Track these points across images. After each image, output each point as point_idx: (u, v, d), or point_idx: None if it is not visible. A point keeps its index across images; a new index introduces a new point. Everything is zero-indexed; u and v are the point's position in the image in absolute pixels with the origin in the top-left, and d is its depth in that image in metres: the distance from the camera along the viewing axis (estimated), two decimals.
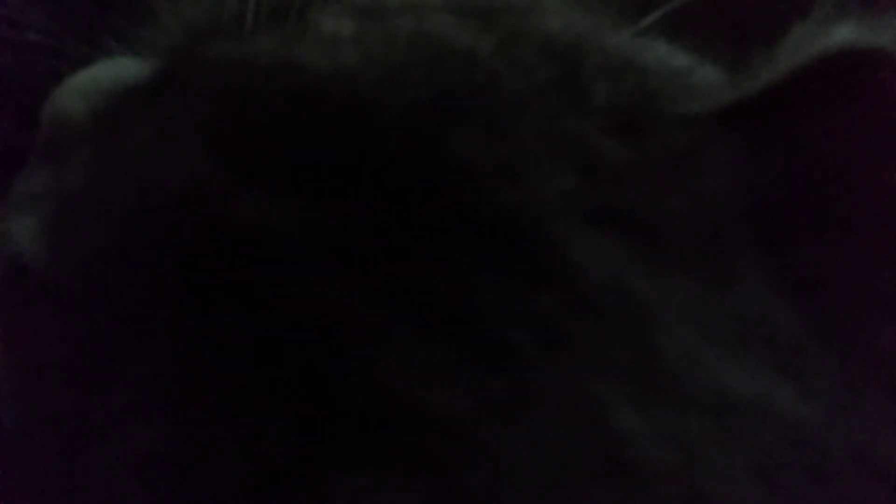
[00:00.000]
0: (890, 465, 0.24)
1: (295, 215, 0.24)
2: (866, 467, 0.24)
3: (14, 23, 0.37)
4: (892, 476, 0.24)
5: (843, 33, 0.26)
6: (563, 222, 0.24)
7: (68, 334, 0.25)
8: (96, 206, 0.26)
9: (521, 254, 0.23)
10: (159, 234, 0.25)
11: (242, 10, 0.37)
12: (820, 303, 0.25)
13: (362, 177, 0.24)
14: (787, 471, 0.23)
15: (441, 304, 0.23)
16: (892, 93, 0.26)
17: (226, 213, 0.24)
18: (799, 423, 0.23)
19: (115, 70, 0.31)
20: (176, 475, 0.23)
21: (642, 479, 0.22)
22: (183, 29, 0.40)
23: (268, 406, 0.23)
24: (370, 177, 0.24)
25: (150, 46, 0.41)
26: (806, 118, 0.26)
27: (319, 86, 0.25)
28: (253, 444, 0.22)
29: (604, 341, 0.23)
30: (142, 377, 0.24)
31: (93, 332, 0.25)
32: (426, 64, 0.26)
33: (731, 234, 0.25)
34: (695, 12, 0.31)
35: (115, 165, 0.27)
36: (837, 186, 0.26)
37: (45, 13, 0.38)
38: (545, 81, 0.26)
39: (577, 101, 0.26)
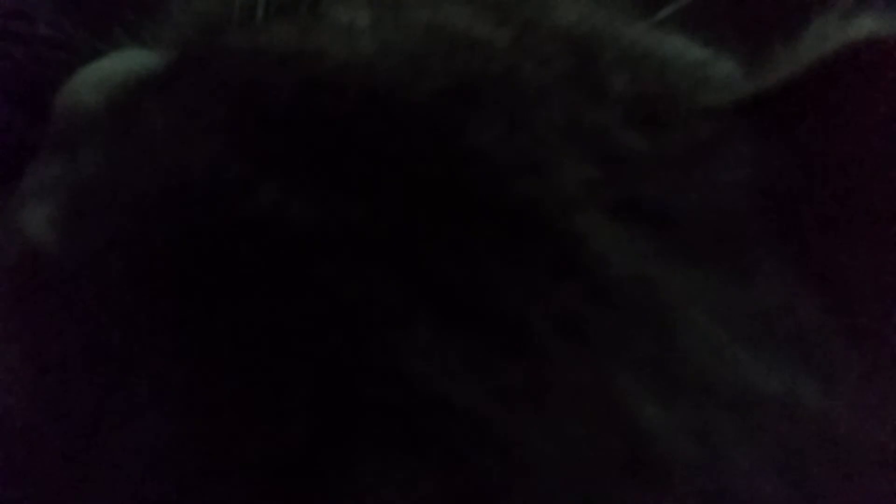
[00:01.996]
0: None
1: (315, 204, 0.23)
2: (891, 463, 0.23)
3: (24, 15, 0.37)
4: None
5: (867, 24, 0.26)
6: (585, 214, 0.23)
7: (84, 324, 0.25)
8: (112, 195, 0.26)
9: (542, 245, 0.23)
10: (177, 222, 0.24)
11: (253, 2, 0.37)
12: (841, 295, 0.25)
13: (382, 166, 0.24)
14: (813, 467, 0.22)
15: (462, 294, 0.23)
16: None
17: (245, 201, 0.24)
18: (824, 419, 0.23)
19: (127, 62, 0.30)
20: (195, 465, 0.23)
21: (665, 474, 0.22)
22: (194, 21, 0.40)
23: (288, 395, 0.22)
24: (390, 166, 0.24)
25: (161, 39, 0.41)
26: (828, 110, 0.26)
27: (336, 75, 0.25)
28: (273, 434, 0.22)
29: (625, 333, 0.23)
30: (160, 367, 0.23)
31: (109, 323, 0.24)
32: (444, 54, 0.25)
33: (751, 226, 0.25)
34: (707, 5, 0.31)
35: (130, 154, 0.26)
36: (859, 177, 0.26)
37: (54, 6, 0.37)
38: (564, 72, 0.25)
39: (596, 93, 0.25)
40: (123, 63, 0.30)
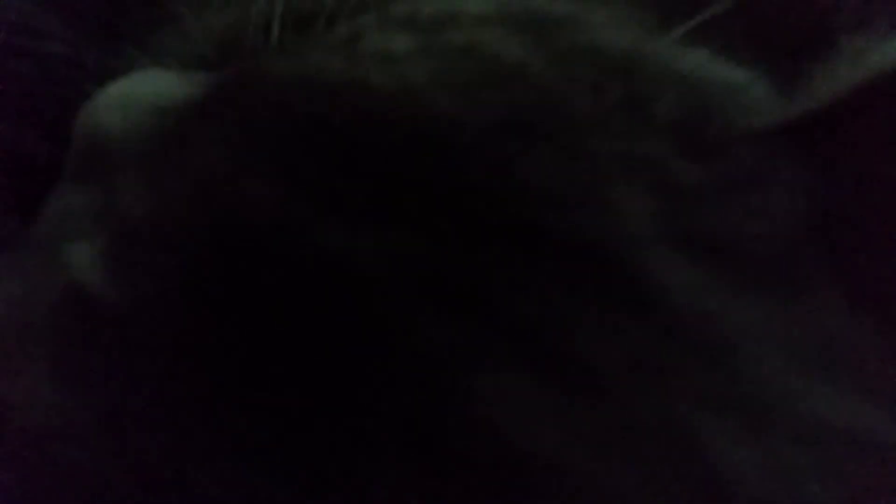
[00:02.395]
0: None
1: (379, 244, 0.23)
2: None
3: (34, 32, 0.36)
4: None
5: None
6: (650, 248, 0.23)
7: (146, 375, 0.23)
8: (164, 236, 0.25)
9: (610, 282, 0.23)
10: (238, 267, 0.23)
11: (268, 19, 0.36)
12: (893, 320, 0.24)
13: (441, 203, 0.23)
14: (887, 501, 0.22)
15: (533, 334, 0.22)
16: None
17: (308, 243, 0.23)
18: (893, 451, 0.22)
19: (151, 84, 0.29)
20: None
21: None
22: (209, 37, 0.40)
23: (364, 447, 0.22)
24: (449, 203, 0.23)
25: (173, 54, 0.40)
26: (870, 132, 0.25)
27: (389, 107, 0.25)
28: (350, 488, 0.21)
29: (694, 370, 0.22)
30: (229, 419, 0.22)
31: (172, 373, 0.23)
32: (492, 83, 0.25)
33: (804, 253, 0.24)
34: (723, 21, 0.30)
35: (179, 190, 0.25)
36: None
37: (62, 21, 0.36)
38: (611, 100, 0.25)
39: (643, 120, 0.25)
40: (147, 85, 0.29)
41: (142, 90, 0.29)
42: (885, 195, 0.25)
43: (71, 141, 0.32)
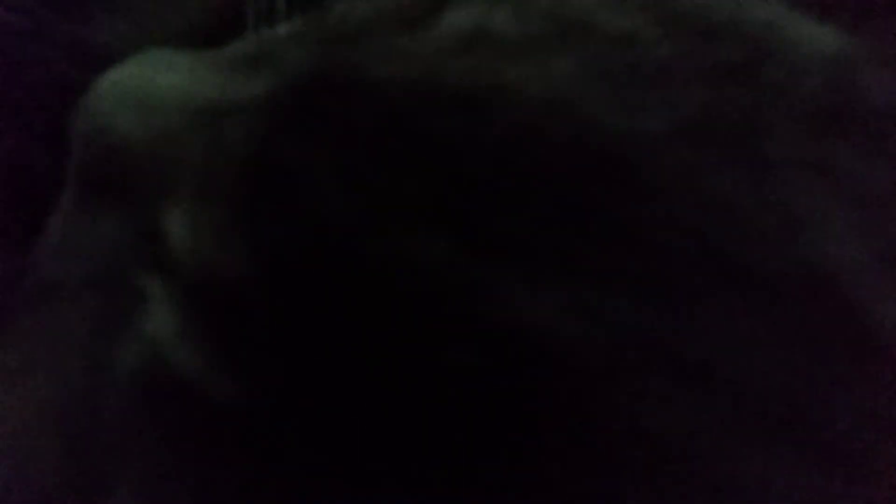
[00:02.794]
0: None
1: (573, 303, 0.18)
2: None
3: None
4: None
5: None
6: (866, 274, 0.19)
7: (264, 478, 0.18)
8: (271, 298, 0.19)
9: (821, 320, 0.19)
10: (384, 345, 0.18)
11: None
12: None
13: (633, 241, 0.18)
14: None
15: (772, 408, 0.18)
16: None
17: (486, 313, 0.18)
18: None
19: (168, 73, 0.23)
20: None
21: None
22: (207, 5, 0.34)
23: None
24: (641, 240, 0.18)
25: (161, 23, 0.34)
26: None
27: (546, 121, 0.19)
28: None
29: None
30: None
31: (299, 478, 0.18)
32: (635, 73, 0.20)
33: None
34: None
35: (289, 241, 0.19)
36: None
37: None
38: (759, 86, 0.21)
39: (796, 110, 0.21)
40: (162, 75, 0.23)
41: (158, 83, 0.23)
42: None
43: (62, 140, 0.26)
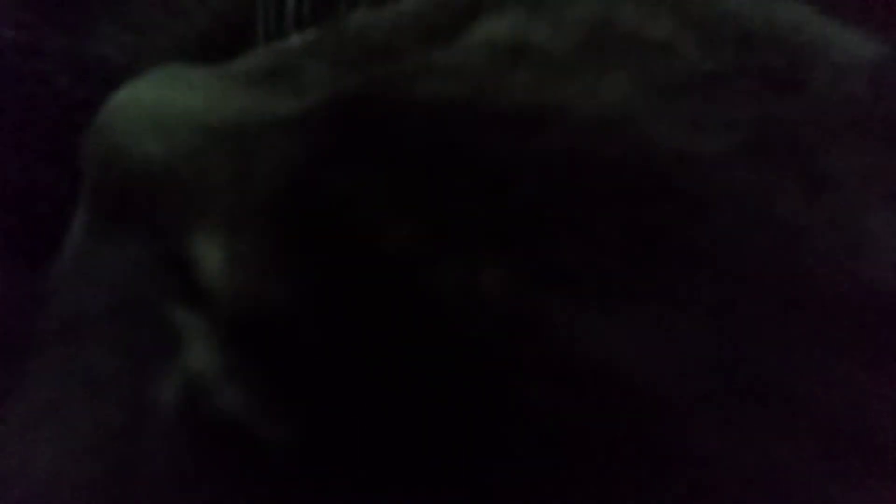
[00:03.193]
0: None
1: (653, 340, 0.16)
2: None
3: None
4: None
5: None
6: None
7: None
8: (324, 333, 0.18)
9: (887, 340, 0.17)
10: (448, 382, 0.17)
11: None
12: None
13: (701, 268, 0.17)
14: None
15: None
16: None
17: (559, 346, 0.16)
18: None
19: (187, 90, 0.22)
20: None
21: None
22: (214, 15, 0.33)
23: None
24: (710, 267, 0.17)
25: (167, 35, 0.33)
26: None
27: (597, 140, 0.18)
28: None
29: None
30: None
31: None
32: (677, 83, 0.19)
33: None
34: None
35: (330, 265, 0.18)
36: None
37: (27, 7, 0.29)
38: (806, 95, 0.20)
39: (843, 118, 0.20)
40: (181, 93, 0.22)
41: (177, 101, 0.22)
42: None
43: (66, 159, 0.25)
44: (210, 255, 0.20)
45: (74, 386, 0.20)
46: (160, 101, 0.22)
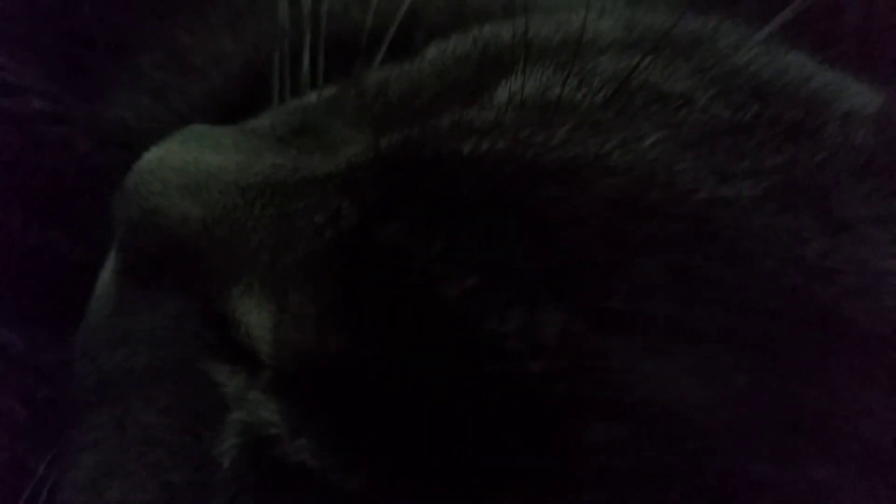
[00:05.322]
0: None
1: (704, 379, 0.17)
2: None
3: (12, 89, 0.29)
4: None
5: None
6: None
7: None
8: (390, 385, 0.18)
9: None
10: (517, 427, 0.17)
11: (296, 47, 0.29)
12: None
13: (748, 311, 0.17)
14: None
15: None
16: None
17: (620, 386, 0.17)
18: None
19: (213, 150, 0.22)
20: None
21: None
22: (228, 74, 0.33)
23: None
24: (753, 310, 0.18)
25: (182, 95, 0.33)
26: None
27: (637, 190, 0.19)
28: None
29: None
30: None
31: None
32: (704, 137, 0.19)
33: None
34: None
35: (390, 320, 0.18)
36: None
37: (46, 73, 0.29)
38: (820, 144, 0.20)
39: (854, 165, 0.20)
40: (203, 152, 0.22)
41: (208, 160, 0.22)
42: None
43: (85, 224, 0.25)
44: (253, 313, 0.20)
45: (131, 447, 0.20)
46: (191, 160, 0.22)
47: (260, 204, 0.21)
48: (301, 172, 0.21)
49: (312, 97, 0.29)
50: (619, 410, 0.16)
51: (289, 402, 0.19)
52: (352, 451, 0.18)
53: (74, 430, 0.22)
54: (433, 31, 0.29)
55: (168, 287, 0.21)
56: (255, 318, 0.20)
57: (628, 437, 0.16)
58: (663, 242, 0.18)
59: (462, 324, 0.17)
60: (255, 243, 0.20)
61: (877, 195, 0.20)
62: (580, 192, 0.18)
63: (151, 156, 0.23)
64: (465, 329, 0.17)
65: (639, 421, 0.16)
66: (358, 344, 0.18)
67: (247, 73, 0.31)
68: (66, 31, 0.32)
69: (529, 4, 0.25)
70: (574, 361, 0.17)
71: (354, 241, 0.19)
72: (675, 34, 0.23)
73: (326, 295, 0.19)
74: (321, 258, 0.19)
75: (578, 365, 0.17)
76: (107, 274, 0.24)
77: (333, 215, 0.20)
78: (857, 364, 0.18)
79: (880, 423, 0.17)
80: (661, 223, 0.18)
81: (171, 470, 0.20)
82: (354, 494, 0.17)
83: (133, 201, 0.22)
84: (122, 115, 0.32)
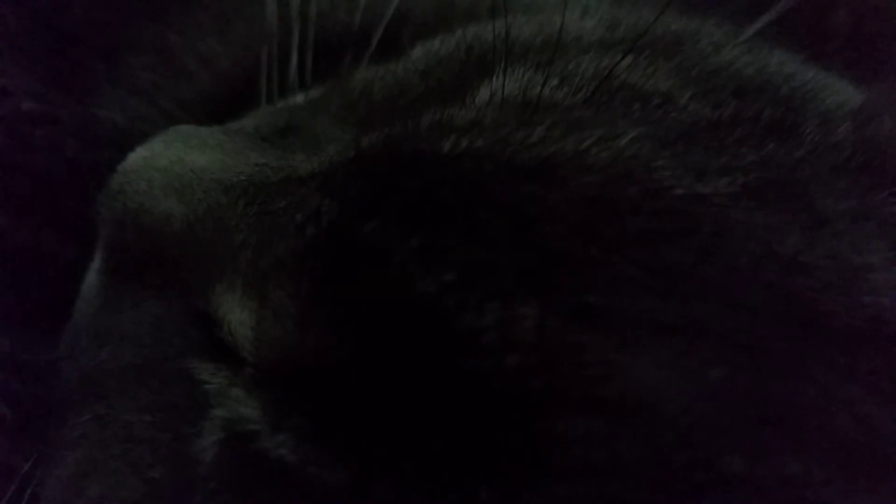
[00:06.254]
0: None
1: (682, 374, 0.17)
2: None
3: (1, 90, 0.29)
4: None
5: None
6: None
7: None
8: (372, 380, 0.18)
9: (888, 365, 0.18)
10: (497, 419, 0.17)
11: (284, 48, 0.29)
12: None
13: (726, 307, 0.18)
14: None
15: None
16: None
17: (596, 381, 0.17)
18: None
19: (201, 150, 0.22)
20: None
21: None
22: (216, 74, 0.33)
23: None
24: (731, 305, 0.18)
25: (171, 95, 0.33)
26: None
27: (613, 186, 0.18)
28: None
29: None
30: None
31: None
32: (685, 133, 0.19)
33: None
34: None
35: (371, 316, 0.18)
36: None
37: (34, 73, 0.29)
38: (799, 141, 0.20)
39: (833, 162, 0.20)
40: (188, 152, 0.22)
41: (193, 160, 0.22)
42: None
43: (73, 225, 0.26)
44: (235, 311, 0.20)
45: (113, 444, 0.20)
46: (175, 160, 0.22)
47: (243, 203, 0.21)
48: (284, 172, 0.22)
49: (299, 97, 0.29)
50: (594, 404, 0.17)
51: (269, 398, 0.19)
52: (331, 446, 0.18)
53: (58, 429, 0.22)
54: (420, 32, 0.29)
55: (151, 286, 0.22)
56: (237, 315, 0.20)
57: (603, 431, 0.16)
58: (640, 238, 0.18)
59: (439, 319, 0.17)
60: (238, 242, 0.21)
61: (855, 191, 0.20)
62: (558, 189, 0.18)
63: (136, 156, 0.23)
64: (442, 324, 0.17)
65: (614, 414, 0.17)
66: (337, 340, 0.18)
67: (235, 73, 0.31)
68: (56, 32, 0.32)
69: (514, 5, 0.26)
70: (550, 355, 0.17)
71: (334, 239, 0.19)
72: (658, 33, 0.24)
73: (306, 292, 0.19)
74: (301, 256, 0.19)
75: (554, 359, 0.17)
76: (93, 274, 0.25)
77: (314, 213, 0.20)
78: (834, 359, 0.18)
79: (857, 417, 0.17)
80: (637, 219, 0.18)
81: (153, 467, 0.20)
82: (334, 489, 0.17)
83: (118, 201, 0.22)
84: (111, 116, 0.32)
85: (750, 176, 0.19)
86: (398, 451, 0.17)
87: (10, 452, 0.25)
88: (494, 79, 0.22)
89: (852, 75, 0.27)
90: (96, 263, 0.24)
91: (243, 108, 0.28)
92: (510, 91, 0.21)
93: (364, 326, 0.18)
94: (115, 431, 0.21)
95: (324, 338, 0.18)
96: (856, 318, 0.18)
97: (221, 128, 0.24)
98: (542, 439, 0.17)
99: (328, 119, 0.24)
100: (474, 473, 0.17)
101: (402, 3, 0.29)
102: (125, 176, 0.22)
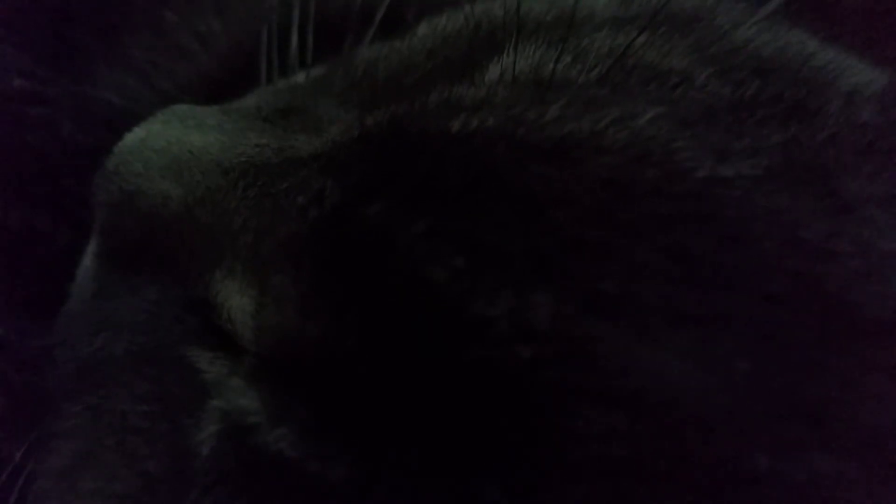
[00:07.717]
0: None
1: (701, 364, 0.16)
2: None
3: None
4: None
5: None
6: None
7: None
8: (374, 369, 0.17)
9: None
10: (507, 413, 0.16)
11: (284, 28, 0.29)
12: None
13: (748, 295, 0.17)
14: None
15: None
16: None
17: (613, 372, 0.16)
18: None
19: (199, 130, 0.21)
20: None
21: None
22: (215, 54, 0.32)
23: None
24: (753, 294, 0.17)
25: (168, 75, 0.33)
26: None
27: (632, 168, 0.18)
28: None
29: None
30: None
31: None
32: (703, 115, 0.19)
33: None
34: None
35: (376, 301, 0.17)
36: None
37: (27, 52, 0.29)
38: (823, 122, 0.19)
39: (858, 144, 0.19)
40: (186, 132, 0.21)
41: (190, 141, 0.21)
42: None
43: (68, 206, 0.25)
44: (235, 297, 0.19)
45: (108, 435, 0.20)
46: (173, 141, 0.21)
47: (243, 185, 0.20)
48: (285, 153, 0.21)
49: (300, 77, 0.28)
50: (612, 398, 0.16)
51: (269, 389, 0.18)
52: (332, 441, 0.17)
53: (52, 418, 0.21)
54: (424, 9, 0.28)
55: (149, 270, 0.21)
56: (236, 302, 0.19)
57: (622, 426, 0.16)
58: (659, 223, 0.17)
59: (448, 307, 0.17)
60: (238, 225, 0.20)
61: (882, 175, 0.19)
62: (573, 171, 0.17)
63: (133, 136, 0.22)
64: (450, 312, 0.17)
65: (633, 409, 0.16)
66: (340, 328, 0.17)
67: (234, 52, 0.30)
68: (50, 10, 0.31)
69: None
70: (564, 347, 0.16)
71: (337, 222, 0.18)
72: (673, 10, 0.23)
73: (308, 278, 0.18)
74: (303, 240, 0.19)
75: (569, 350, 0.16)
76: (88, 258, 0.24)
77: (317, 196, 0.19)
78: (861, 351, 0.17)
79: (886, 412, 0.17)
80: (657, 203, 0.17)
81: (149, 459, 0.19)
82: (336, 486, 0.17)
83: (113, 183, 0.21)
84: (107, 96, 0.31)
85: (773, 158, 0.18)
86: (403, 447, 0.16)
87: (2, 440, 0.24)
88: (505, 56, 0.21)
89: (871, 55, 0.26)
90: (92, 247, 0.23)
91: (243, 88, 0.27)
92: (522, 69, 0.20)
93: (368, 314, 0.17)
94: (109, 421, 0.20)
95: (326, 326, 0.17)
96: (884, 309, 0.17)
97: (220, 107, 0.23)
98: (557, 435, 0.16)
99: (330, 99, 0.23)
100: (484, 471, 0.16)
101: None
102: (121, 157, 0.21)
